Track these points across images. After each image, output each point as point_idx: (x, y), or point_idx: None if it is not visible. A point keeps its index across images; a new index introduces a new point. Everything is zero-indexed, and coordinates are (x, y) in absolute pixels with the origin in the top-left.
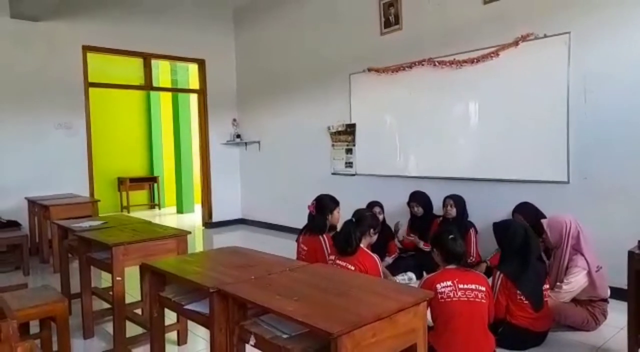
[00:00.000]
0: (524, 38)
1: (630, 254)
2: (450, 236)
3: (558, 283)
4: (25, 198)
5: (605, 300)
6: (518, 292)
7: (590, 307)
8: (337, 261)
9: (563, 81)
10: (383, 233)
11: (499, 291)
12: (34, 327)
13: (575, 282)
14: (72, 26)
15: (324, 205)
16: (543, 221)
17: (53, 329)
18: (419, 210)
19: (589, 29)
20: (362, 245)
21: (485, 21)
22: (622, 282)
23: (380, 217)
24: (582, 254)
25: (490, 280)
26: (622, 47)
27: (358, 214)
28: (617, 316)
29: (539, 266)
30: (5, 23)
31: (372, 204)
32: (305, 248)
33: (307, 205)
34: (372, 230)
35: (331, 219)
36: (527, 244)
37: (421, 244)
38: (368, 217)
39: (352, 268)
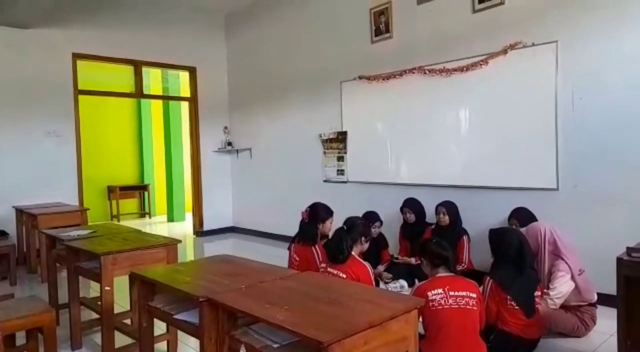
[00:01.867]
0: (512, 46)
1: (619, 260)
2: (434, 241)
3: (544, 290)
4: (13, 207)
5: (593, 305)
6: (508, 297)
7: (579, 312)
8: (329, 269)
9: (551, 89)
10: (378, 243)
11: (489, 296)
12: (21, 338)
13: (561, 287)
14: (62, 33)
15: (316, 213)
16: (521, 229)
17: (40, 341)
18: (411, 217)
19: (576, 37)
20: (353, 253)
21: (474, 30)
22: (612, 289)
23: (379, 230)
24: (563, 259)
25: (481, 287)
26: (610, 55)
27: (349, 222)
28: (606, 322)
29: (530, 273)
30: None
31: (372, 218)
32: (297, 258)
33: (299, 213)
34: (363, 238)
35: (322, 228)
36: (521, 253)
37: (412, 261)
38: (359, 225)
39: (344, 276)
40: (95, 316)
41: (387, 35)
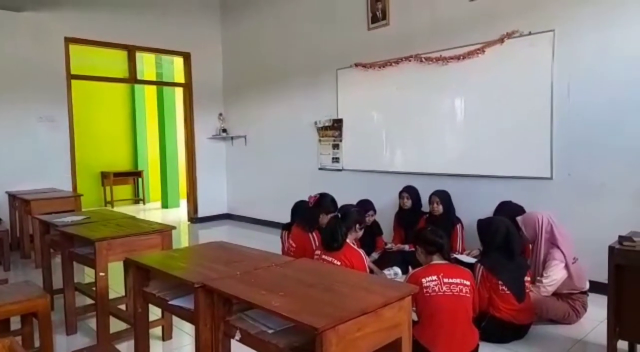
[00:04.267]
0: (509, 35)
1: (611, 249)
2: (429, 228)
3: (538, 278)
4: (6, 192)
5: (584, 293)
6: (500, 282)
7: (570, 300)
8: (323, 256)
9: (547, 78)
10: (372, 230)
11: (480, 283)
12: (15, 323)
13: (554, 275)
14: (55, 17)
15: (324, 203)
16: (518, 218)
17: (35, 325)
18: (408, 202)
19: (573, 26)
20: (348, 240)
21: (471, 18)
22: (603, 277)
23: (373, 218)
24: (558, 247)
25: None
26: (606, 45)
27: (343, 210)
28: (597, 309)
29: (520, 259)
30: None
31: (366, 207)
32: (294, 245)
33: (293, 200)
34: (357, 225)
35: (321, 219)
36: (509, 240)
37: (406, 248)
38: (353, 212)
39: (338, 263)
40: (90, 301)
41: (383, 22)
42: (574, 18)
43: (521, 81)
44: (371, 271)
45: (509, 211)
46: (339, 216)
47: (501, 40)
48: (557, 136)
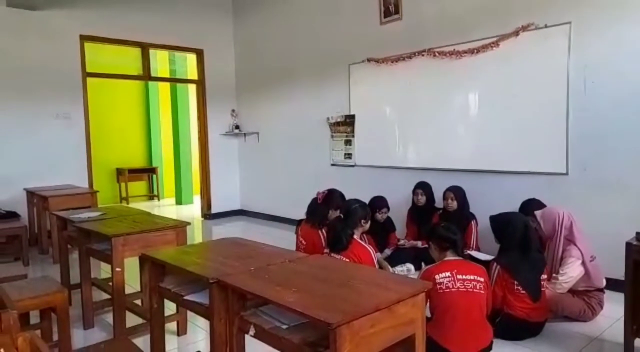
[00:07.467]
0: (524, 28)
1: (628, 245)
2: (442, 225)
3: (554, 274)
4: (24, 189)
5: (601, 290)
6: (515, 282)
7: (586, 297)
8: (332, 254)
9: (563, 72)
10: (385, 227)
11: (496, 282)
12: (34, 317)
13: (571, 272)
14: (70, 15)
15: (333, 199)
16: (537, 212)
17: (53, 320)
18: (422, 198)
19: (590, 19)
20: (355, 236)
21: (485, 11)
22: (620, 273)
23: (386, 215)
24: (576, 245)
25: None
26: (624, 38)
27: (346, 207)
28: (613, 306)
29: (537, 256)
30: (1, 12)
31: (380, 204)
32: (304, 242)
33: (306, 196)
34: (362, 220)
35: (332, 214)
36: (527, 238)
37: (419, 244)
38: (357, 209)
39: (347, 261)
40: (106, 296)
41: (396, 17)
42: (590, 10)
43: (536, 75)
44: (380, 266)
45: (534, 209)
46: (342, 216)
47: (516, 34)
48: (573, 131)
